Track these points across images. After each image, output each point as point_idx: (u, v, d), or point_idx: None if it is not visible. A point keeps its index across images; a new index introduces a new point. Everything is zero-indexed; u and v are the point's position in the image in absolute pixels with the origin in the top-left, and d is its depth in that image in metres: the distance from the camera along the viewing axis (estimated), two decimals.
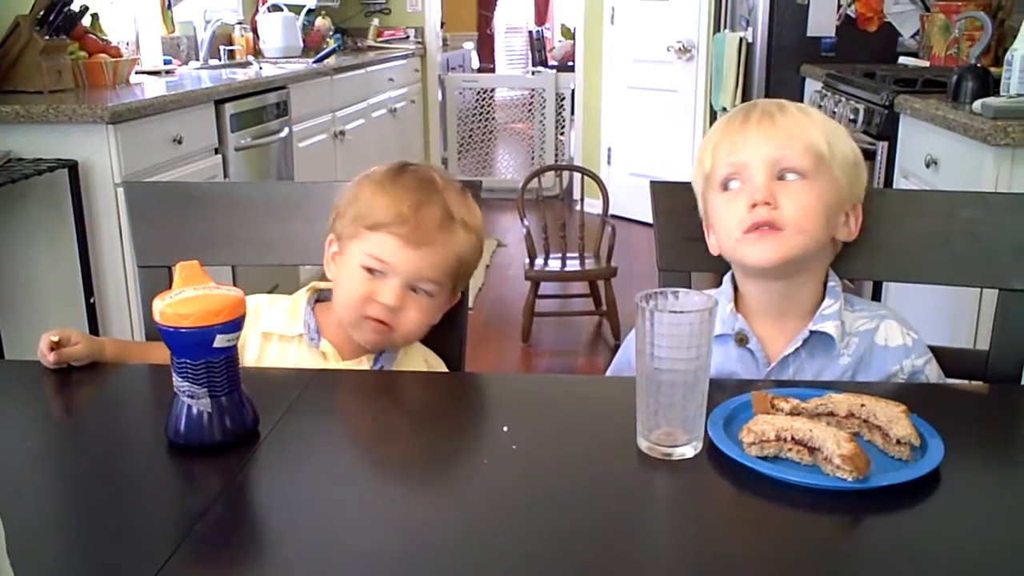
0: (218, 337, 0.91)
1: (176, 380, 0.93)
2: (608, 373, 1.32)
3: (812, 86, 3.65)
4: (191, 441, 0.93)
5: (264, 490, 0.91)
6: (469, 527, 0.81)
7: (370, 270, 1.19)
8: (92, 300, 2.55)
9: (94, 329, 2.55)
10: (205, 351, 0.91)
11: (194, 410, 0.93)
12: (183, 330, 0.90)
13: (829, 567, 0.75)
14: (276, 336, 1.24)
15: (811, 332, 1.15)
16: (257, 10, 5.06)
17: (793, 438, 0.87)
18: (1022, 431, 1.06)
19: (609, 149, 5.56)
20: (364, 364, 1.24)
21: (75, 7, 2.92)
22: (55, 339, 1.13)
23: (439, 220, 1.19)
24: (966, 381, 1.23)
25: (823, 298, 1.18)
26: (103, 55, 3.14)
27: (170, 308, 0.90)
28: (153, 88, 3.08)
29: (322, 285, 1.30)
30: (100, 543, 0.80)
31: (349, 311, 1.21)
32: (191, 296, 0.92)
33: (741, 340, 1.17)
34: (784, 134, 1.13)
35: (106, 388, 1.17)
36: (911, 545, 0.78)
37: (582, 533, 0.80)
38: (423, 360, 1.29)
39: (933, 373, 1.19)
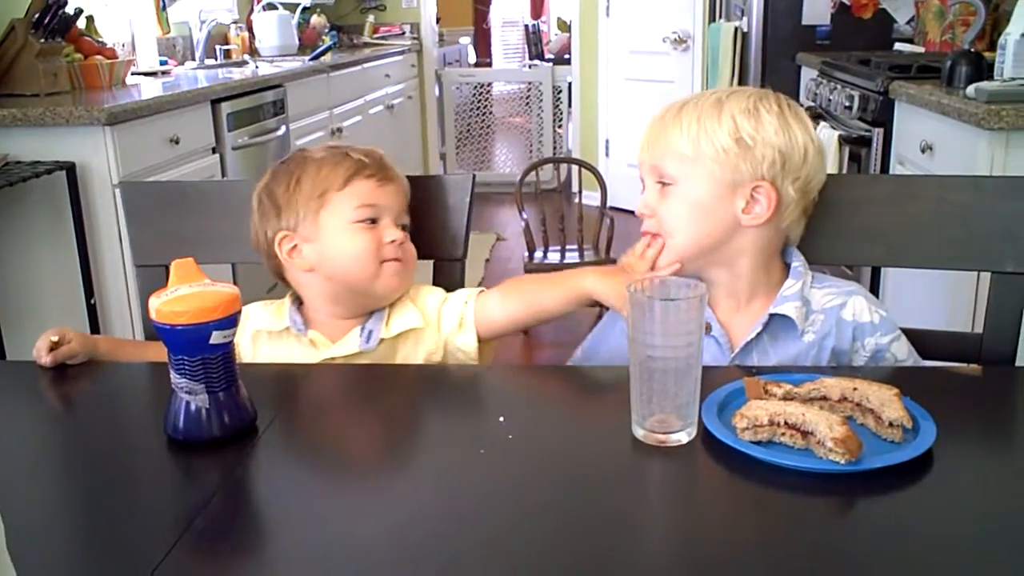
0: (214, 334, 0.92)
1: (174, 377, 0.94)
2: (572, 361, 1.32)
3: (808, 74, 3.65)
4: (190, 437, 0.94)
5: (262, 484, 0.92)
6: (466, 517, 0.82)
7: (366, 220, 1.23)
8: (93, 301, 2.56)
9: (95, 330, 2.56)
10: (202, 348, 0.92)
11: (192, 406, 0.93)
12: (179, 327, 0.91)
13: (823, 549, 0.76)
14: (265, 333, 1.26)
15: (771, 315, 1.16)
16: (252, 9, 5.05)
17: (786, 422, 0.88)
18: (1014, 413, 1.07)
19: (607, 141, 5.56)
20: (354, 339, 1.24)
21: (70, 9, 2.92)
22: (55, 339, 1.14)
23: (385, 157, 1.28)
24: (960, 364, 1.23)
25: (785, 279, 1.19)
26: (99, 57, 3.14)
27: (166, 306, 0.91)
28: (149, 89, 3.08)
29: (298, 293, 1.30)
30: (101, 538, 0.81)
31: (365, 267, 1.22)
32: (186, 294, 0.93)
33: (705, 329, 1.17)
34: (657, 142, 1.18)
35: (105, 386, 1.18)
36: (903, 526, 0.79)
37: (579, 521, 0.81)
38: (410, 303, 1.27)
39: (901, 351, 1.18)
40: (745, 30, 4.01)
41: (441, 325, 1.25)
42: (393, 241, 1.24)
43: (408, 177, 1.32)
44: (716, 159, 1.13)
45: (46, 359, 1.14)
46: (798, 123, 1.16)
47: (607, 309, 1.27)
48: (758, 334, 1.16)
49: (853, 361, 1.17)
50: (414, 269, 1.28)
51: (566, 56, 6.76)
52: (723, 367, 1.14)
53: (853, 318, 1.17)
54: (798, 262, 1.20)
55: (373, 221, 1.23)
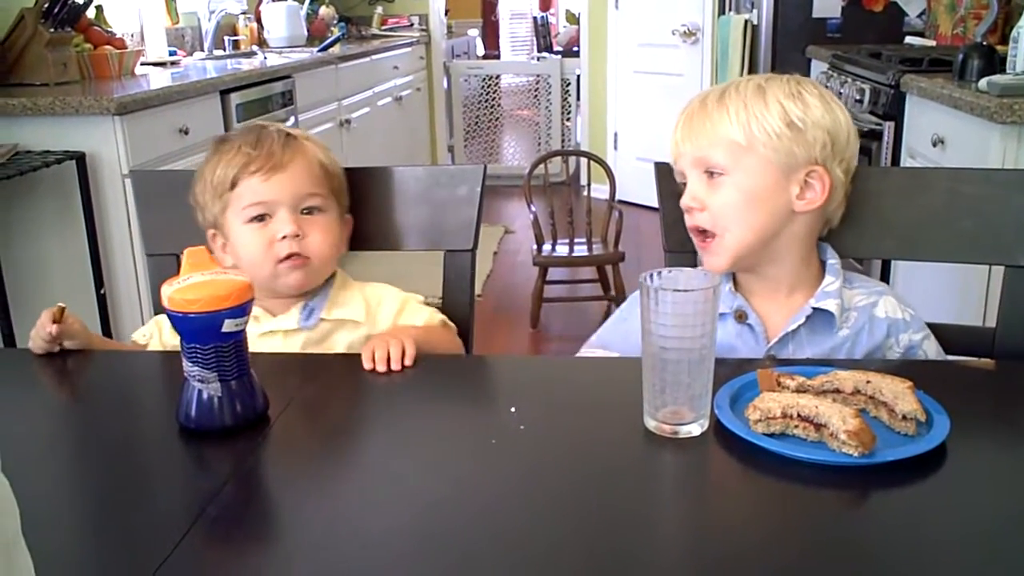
0: (227, 322, 0.92)
1: (186, 365, 0.94)
2: (583, 350, 1.31)
3: (818, 67, 3.63)
4: (202, 425, 0.94)
5: (274, 473, 0.92)
6: (477, 507, 0.82)
7: (256, 219, 1.22)
8: (103, 291, 2.56)
9: (105, 319, 2.57)
10: (214, 336, 0.92)
11: (204, 395, 0.94)
12: (192, 315, 0.91)
13: (835, 542, 0.76)
14: None
15: (813, 309, 1.15)
16: (261, 0, 5.05)
17: (799, 415, 0.88)
18: None
19: (615, 134, 5.55)
20: (294, 314, 1.24)
21: None
22: (62, 305, 1.14)
23: (280, 140, 1.23)
24: (973, 358, 1.23)
25: (821, 273, 1.19)
26: (108, 47, 3.14)
27: (178, 294, 0.91)
28: (159, 79, 3.08)
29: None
30: (113, 526, 0.81)
31: (263, 266, 1.22)
32: (199, 281, 0.93)
33: (740, 316, 1.17)
34: (702, 131, 1.15)
35: (117, 374, 1.18)
36: (917, 519, 0.79)
37: (590, 512, 0.80)
38: (361, 299, 1.28)
39: (931, 349, 1.19)
40: (755, 23, 3.99)
41: (378, 324, 1.26)
42: (284, 237, 1.21)
43: (420, 167, 1.31)
44: (769, 144, 1.12)
45: (53, 329, 1.13)
46: (836, 105, 1.16)
47: (612, 301, 1.26)
48: (797, 327, 1.16)
49: (886, 357, 1.17)
50: (321, 260, 1.24)
51: (575, 49, 6.75)
52: (759, 359, 1.14)
53: (887, 315, 1.18)
54: (834, 259, 1.20)
55: (263, 218, 1.22)
